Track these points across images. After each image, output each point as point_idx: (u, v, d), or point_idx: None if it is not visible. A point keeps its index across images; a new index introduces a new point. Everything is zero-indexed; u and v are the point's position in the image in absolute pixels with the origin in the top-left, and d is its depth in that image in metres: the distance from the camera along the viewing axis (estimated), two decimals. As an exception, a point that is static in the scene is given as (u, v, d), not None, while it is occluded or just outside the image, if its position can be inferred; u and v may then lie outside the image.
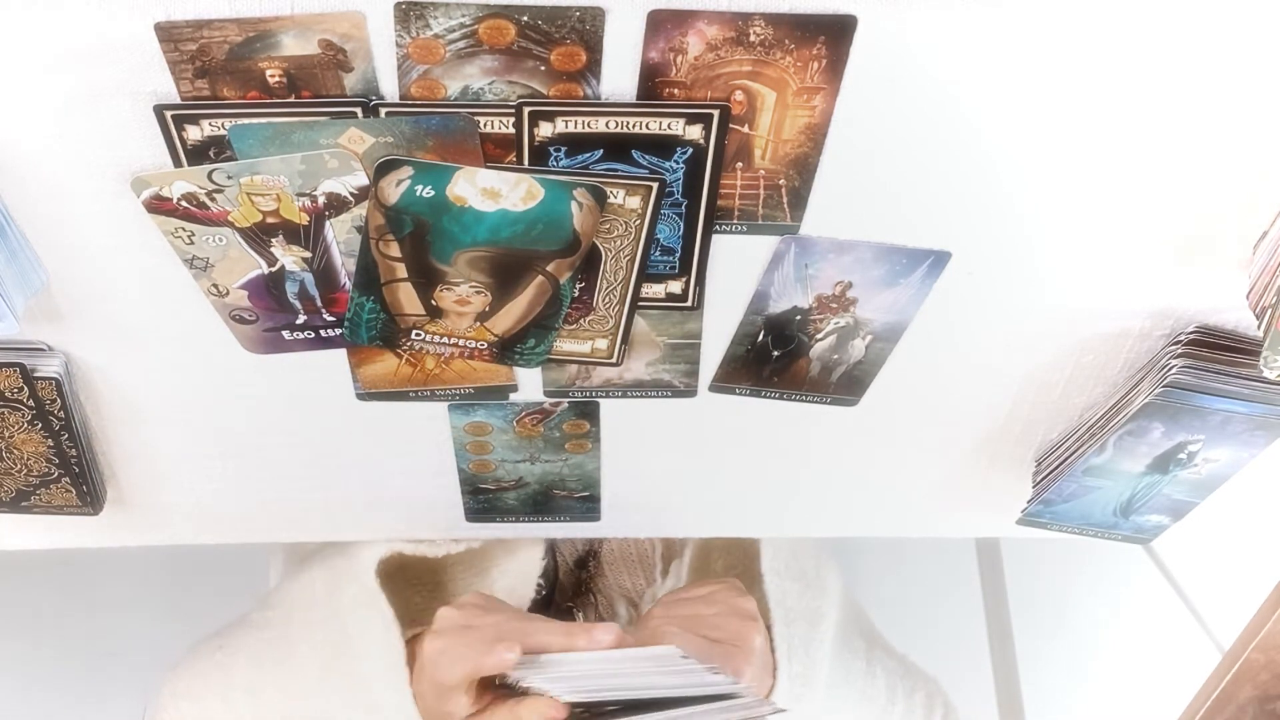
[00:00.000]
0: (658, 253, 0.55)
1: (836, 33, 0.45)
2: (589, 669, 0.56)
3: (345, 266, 0.54)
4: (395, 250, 0.52)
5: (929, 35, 0.46)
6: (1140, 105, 0.49)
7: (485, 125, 0.48)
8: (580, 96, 0.47)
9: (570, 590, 0.81)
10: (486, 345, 0.58)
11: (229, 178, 0.48)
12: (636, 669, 0.56)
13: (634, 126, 0.48)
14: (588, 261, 0.54)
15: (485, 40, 0.45)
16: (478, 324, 0.57)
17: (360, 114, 0.47)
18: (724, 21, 0.45)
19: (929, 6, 0.45)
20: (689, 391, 0.65)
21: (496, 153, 0.49)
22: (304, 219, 0.51)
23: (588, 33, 0.45)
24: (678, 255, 0.55)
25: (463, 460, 0.69)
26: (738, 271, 0.57)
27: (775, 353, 0.62)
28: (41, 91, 0.46)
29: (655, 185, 0.50)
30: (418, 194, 0.49)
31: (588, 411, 0.67)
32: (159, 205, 0.50)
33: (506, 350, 0.59)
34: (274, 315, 0.57)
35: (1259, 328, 0.53)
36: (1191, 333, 0.60)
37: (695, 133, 0.49)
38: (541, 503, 0.74)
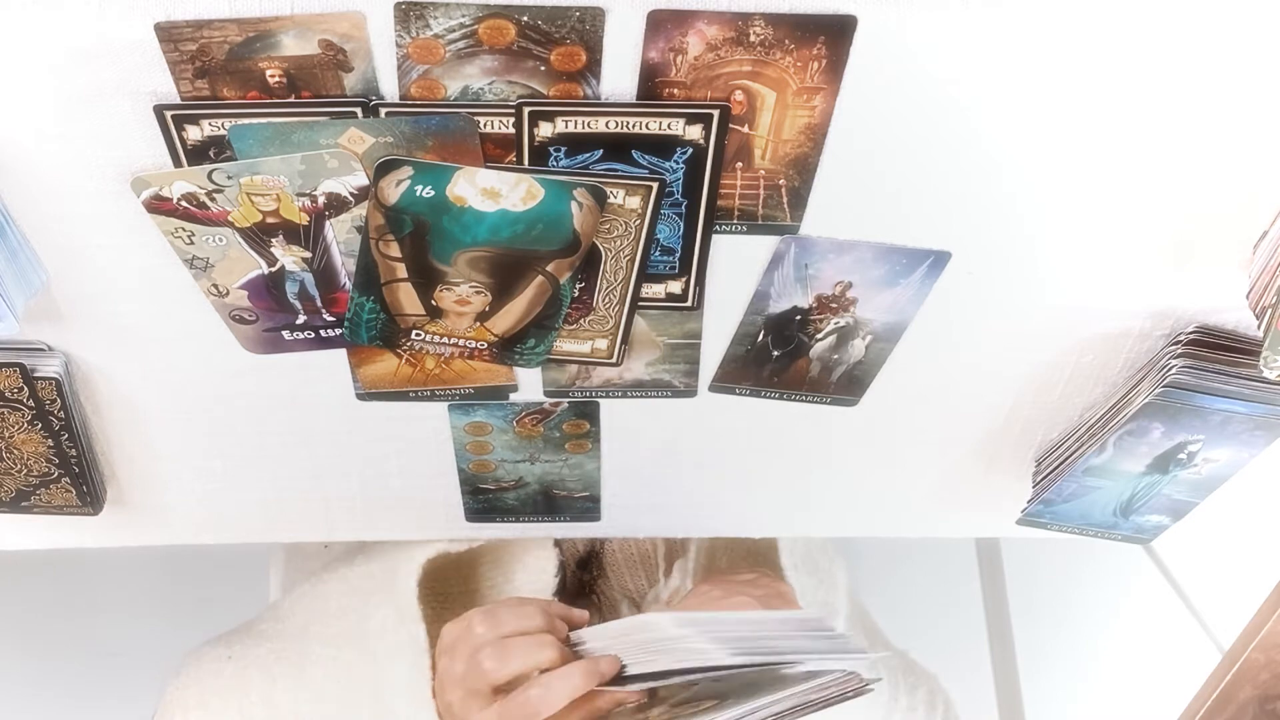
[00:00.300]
0: (658, 253, 0.55)
1: (836, 33, 0.45)
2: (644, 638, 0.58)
3: (345, 266, 0.54)
4: (395, 250, 0.52)
5: (929, 35, 0.46)
6: (1140, 105, 0.49)
7: (485, 125, 0.48)
8: (580, 96, 0.47)
9: (573, 591, 0.81)
10: (486, 345, 0.58)
11: (229, 178, 0.48)
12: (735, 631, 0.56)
13: (634, 126, 0.48)
14: (588, 261, 0.54)
15: (485, 40, 0.45)
16: (478, 324, 0.57)
17: (360, 114, 0.47)
18: (724, 21, 0.45)
19: (929, 6, 0.45)
20: (689, 391, 0.65)
21: (496, 153, 0.49)
22: (304, 219, 0.51)
23: (588, 33, 0.45)
24: (678, 255, 0.55)
25: (463, 460, 0.69)
26: (738, 271, 0.57)
27: (775, 353, 0.62)
28: (41, 91, 0.46)
29: (655, 185, 0.50)
30: (418, 194, 0.49)
31: (588, 411, 0.67)
32: (159, 205, 0.50)
33: (506, 350, 0.59)
34: (274, 315, 0.57)
35: (1259, 328, 0.53)
36: (1191, 333, 0.60)
37: (695, 133, 0.49)
38: (541, 503, 0.74)
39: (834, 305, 0.59)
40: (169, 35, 0.44)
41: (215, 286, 0.55)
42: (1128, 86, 0.48)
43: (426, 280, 0.54)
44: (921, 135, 0.50)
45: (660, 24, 0.45)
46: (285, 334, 0.58)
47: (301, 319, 0.57)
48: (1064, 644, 1.34)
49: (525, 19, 0.44)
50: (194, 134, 0.47)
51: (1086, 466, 0.67)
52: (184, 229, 0.51)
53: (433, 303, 0.55)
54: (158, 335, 0.59)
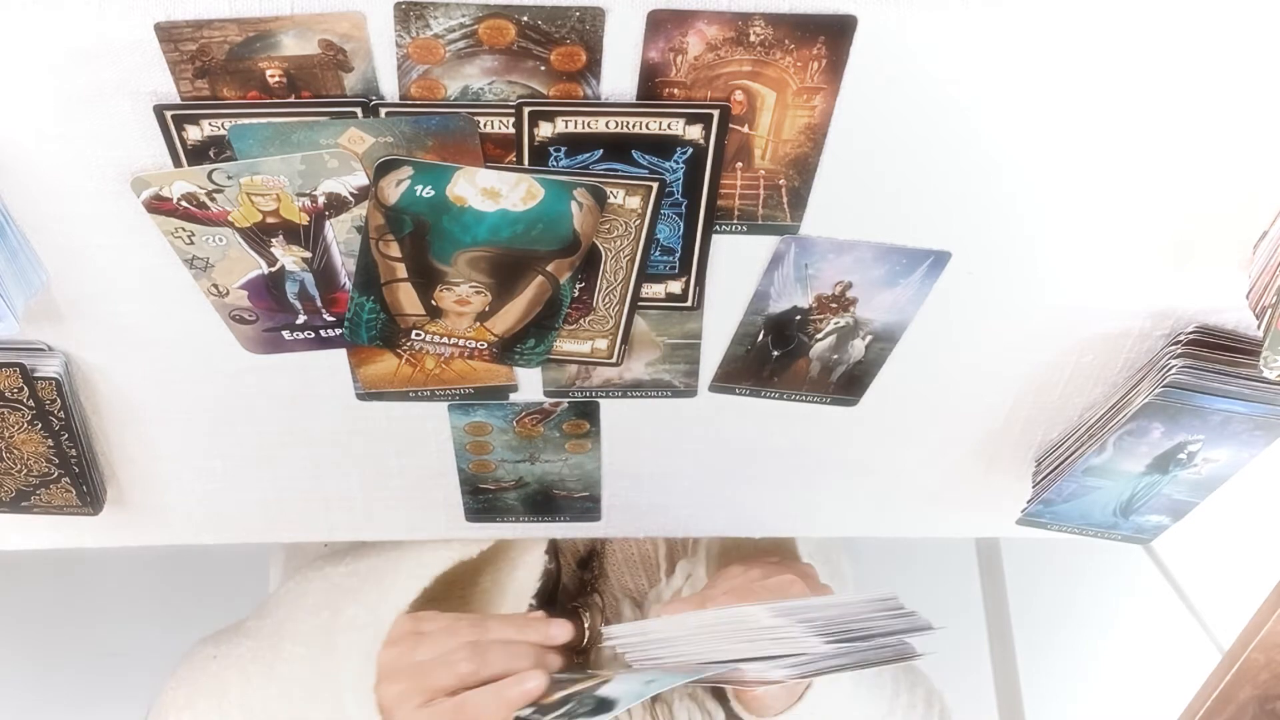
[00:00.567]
0: (658, 253, 0.55)
1: (836, 33, 0.45)
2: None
3: (345, 266, 0.54)
4: (395, 250, 0.52)
5: (929, 35, 0.46)
6: (1140, 105, 0.49)
7: (485, 125, 0.48)
8: (580, 96, 0.47)
9: (574, 591, 0.81)
10: (486, 345, 0.58)
11: (229, 178, 0.48)
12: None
13: (634, 126, 0.48)
14: (588, 261, 0.54)
15: (485, 40, 0.45)
16: (478, 324, 0.57)
17: (360, 114, 0.47)
18: (724, 21, 0.45)
19: (929, 6, 0.45)
20: (689, 391, 0.65)
21: (496, 153, 0.49)
22: (304, 219, 0.51)
23: (588, 33, 0.45)
24: (678, 255, 0.55)
25: (463, 460, 0.69)
26: (738, 271, 0.57)
27: (775, 353, 0.62)
28: (41, 91, 0.46)
29: (655, 185, 0.50)
30: (418, 194, 0.49)
31: (588, 411, 0.67)
32: (159, 205, 0.50)
33: (506, 350, 0.59)
34: (274, 315, 0.57)
35: (1259, 328, 0.53)
36: (1191, 333, 0.60)
37: (695, 133, 0.49)
38: (541, 503, 0.74)
39: (834, 305, 0.59)
40: (169, 35, 0.44)
41: (215, 286, 0.55)
42: (1128, 86, 0.48)
43: (426, 280, 0.54)
44: (921, 135, 0.50)
45: (660, 24, 0.45)
46: (285, 334, 0.58)
47: (301, 319, 0.57)
48: (1064, 644, 1.34)
49: (525, 19, 0.44)
50: (194, 134, 0.47)
51: (1086, 466, 0.67)
52: (184, 229, 0.51)
53: (433, 303, 0.55)
54: (158, 335, 0.59)
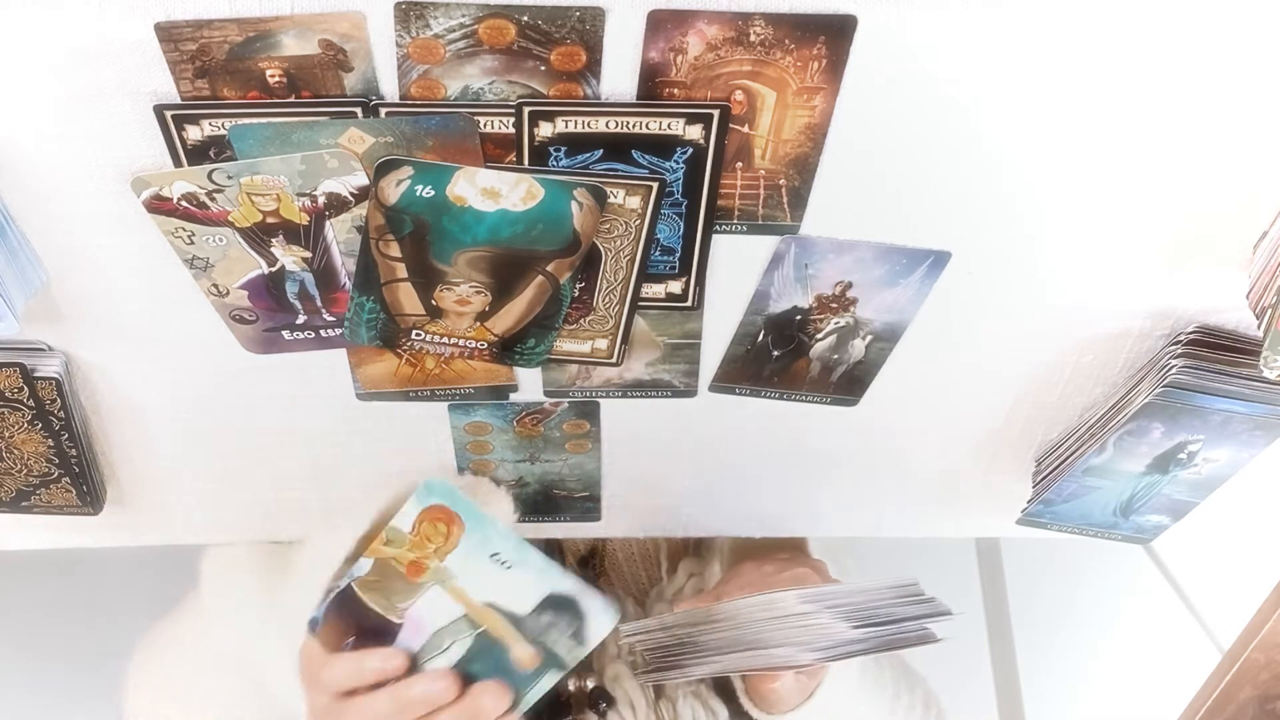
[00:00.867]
0: (658, 253, 0.55)
1: (836, 33, 0.45)
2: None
3: (345, 266, 0.54)
4: (395, 250, 0.52)
5: (929, 35, 0.46)
6: (1140, 105, 0.49)
7: (485, 125, 0.48)
8: (580, 96, 0.47)
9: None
10: (486, 345, 0.58)
11: (229, 178, 0.48)
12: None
13: (634, 126, 0.48)
14: (588, 261, 0.54)
15: (485, 40, 0.45)
16: (478, 324, 0.57)
17: (360, 114, 0.47)
18: (724, 21, 0.45)
19: (929, 6, 0.45)
20: (689, 391, 0.65)
21: (496, 153, 0.49)
22: (304, 219, 0.51)
23: (588, 33, 0.45)
24: (678, 255, 0.55)
25: (463, 460, 0.69)
26: (738, 271, 0.57)
27: (775, 353, 0.62)
28: (41, 91, 0.46)
29: (655, 185, 0.50)
30: (418, 194, 0.49)
31: (588, 411, 0.67)
32: (159, 205, 0.50)
33: (506, 350, 0.59)
34: (274, 315, 0.57)
35: (1259, 328, 0.53)
36: (1191, 333, 0.60)
37: (695, 133, 0.49)
38: (541, 503, 0.74)
39: (834, 305, 0.59)
40: (169, 35, 0.44)
41: (215, 286, 0.55)
42: (1127, 87, 0.48)
43: (426, 280, 0.54)
44: (921, 135, 0.50)
45: (660, 24, 0.45)
46: (285, 334, 0.58)
47: (301, 319, 0.57)
48: (1064, 644, 1.34)
49: (525, 19, 0.44)
50: (194, 134, 0.47)
51: (1086, 466, 0.67)
52: (184, 229, 0.51)
53: (433, 302, 0.55)
54: (158, 335, 0.59)
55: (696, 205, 0.52)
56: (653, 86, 0.47)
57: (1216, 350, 0.60)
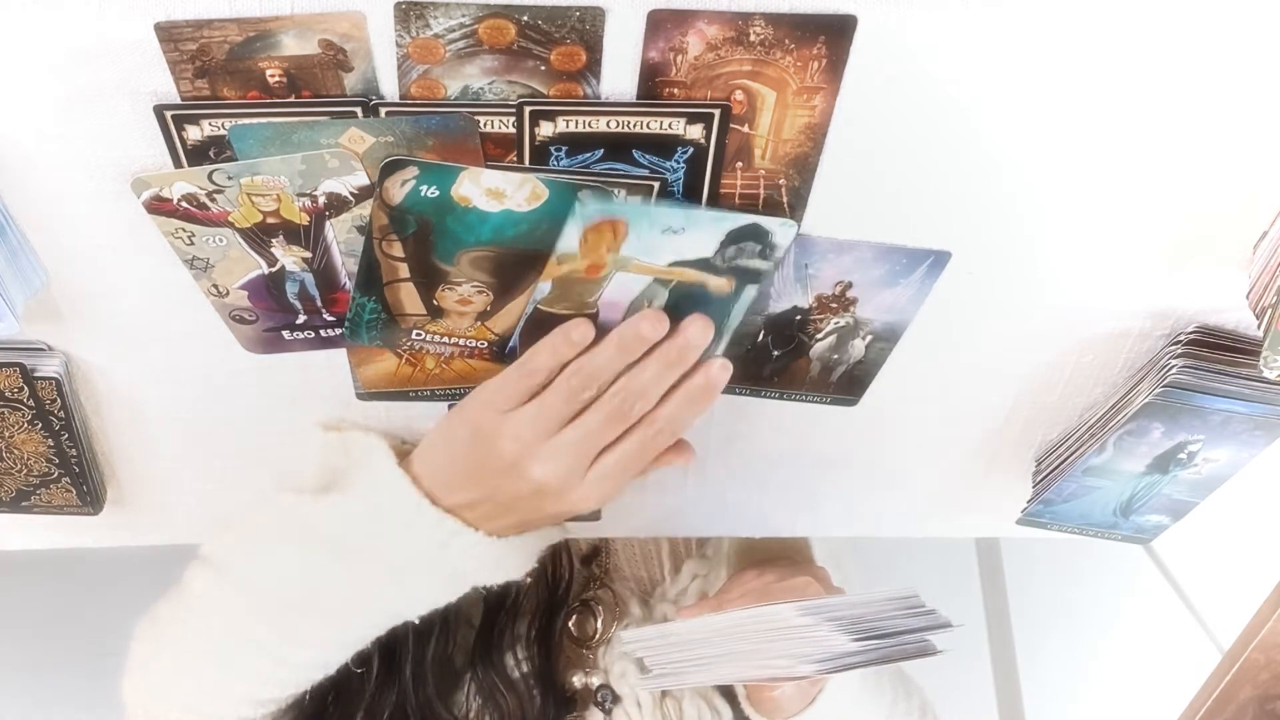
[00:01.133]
0: (658, 253, 0.55)
1: (836, 33, 0.45)
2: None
3: (345, 266, 0.54)
4: (398, 250, 0.52)
5: (929, 35, 0.46)
6: (1140, 105, 0.49)
7: (485, 125, 0.48)
8: (580, 96, 0.47)
9: (580, 587, 0.81)
10: (487, 345, 0.58)
11: (229, 178, 0.48)
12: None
13: (635, 126, 0.48)
14: (588, 261, 0.54)
15: (485, 40, 0.45)
16: (478, 323, 0.57)
17: (360, 114, 0.47)
18: (724, 21, 0.45)
19: (929, 6, 0.45)
20: (689, 391, 0.65)
21: (497, 152, 0.49)
22: (304, 219, 0.51)
23: (588, 33, 0.45)
24: (678, 255, 0.55)
25: (463, 460, 0.69)
26: (738, 271, 0.57)
27: (775, 352, 0.62)
28: (41, 91, 0.46)
29: (656, 185, 0.50)
30: (422, 194, 0.49)
31: (588, 411, 0.66)
32: (159, 206, 0.50)
33: (506, 349, 0.59)
34: (274, 315, 0.57)
35: (1259, 328, 0.53)
36: (1191, 333, 0.60)
37: (696, 132, 0.49)
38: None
39: (834, 305, 0.59)
40: (169, 35, 0.44)
41: (215, 287, 0.55)
42: (1127, 87, 0.48)
43: (429, 280, 0.54)
44: (921, 135, 0.50)
45: (660, 24, 0.45)
46: (285, 334, 0.58)
47: (302, 319, 0.57)
48: (1064, 644, 1.34)
49: (525, 19, 0.44)
50: (194, 134, 0.47)
51: (1086, 466, 0.67)
52: (184, 229, 0.51)
53: (434, 302, 0.55)
54: (158, 335, 0.59)
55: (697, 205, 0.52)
56: (653, 86, 0.47)
57: (1216, 350, 0.60)
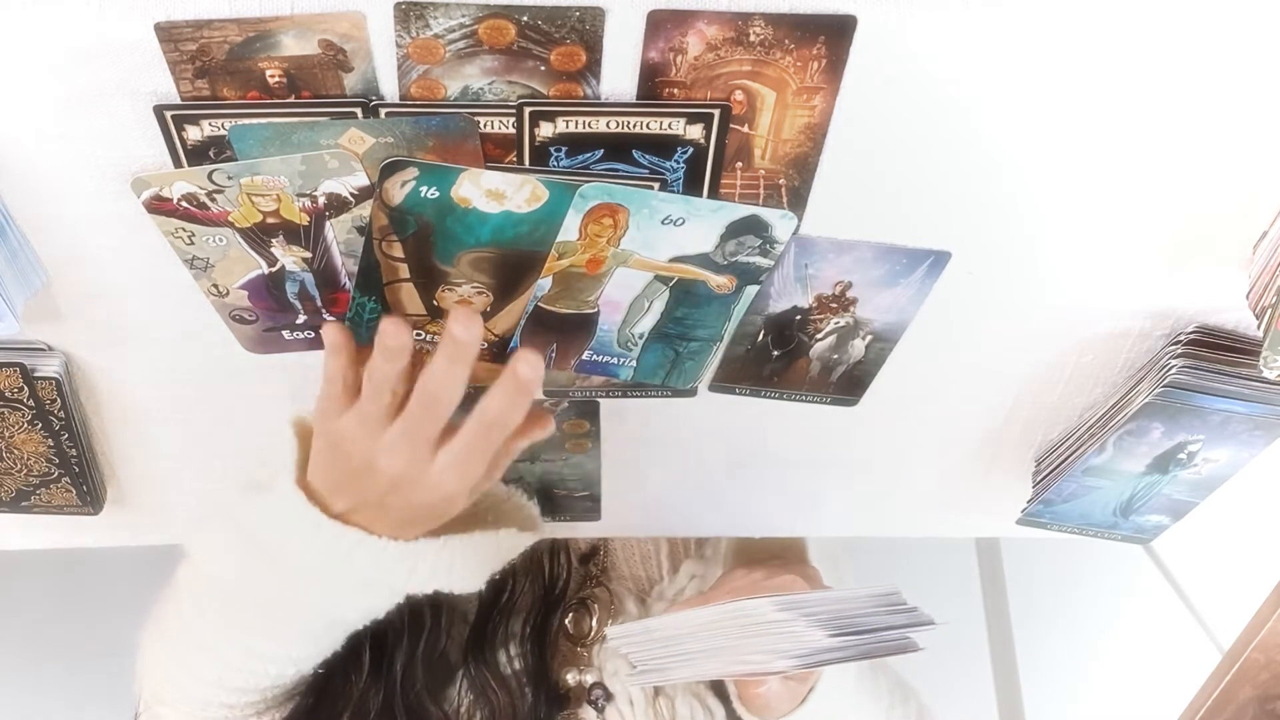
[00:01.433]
0: (658, 253, 0.55)
1: (836, 33, 0.45)
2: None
3: (345, 267, 0.54)
4: (398, 251, 0.52)
5: (929, 35, 0.46)
6: (1140, 105, 0.49)
7: (485, 125, 0.48)
8: (580, 96, 0.47)
9: (577, 586, 0.81)
10: (487, 345, 0.58)
11: (229, 178, 0.48)
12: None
13: (634, 126, 0.48)
14: (588, 261, 0.54)
15: (485, 40, 0.45)
16: (478, 324, 0.57)
17: (360, 114, 0.47)
18: (724, 21, 0.45)
19: (929, 6, 0.45)
20: (689, 391, 0.65)
21: (496, 152, 0.49)
22: (304, 219, 0.51)
23: (588, 33, 0.45)
24: (678, 255, 0.55)
25: (463, 460, 0.69)
26: (738, 271, 0.57)
27: (775, 352, 0.62)
28: (42, 91, 0.46)
29: (656, 185, 0.50)
30: (422, 195, 0.49)
31: (588, 411, 0.67)
32: (159, 206, 0.50)
33: (507, 350, 0.59)
34: (274, 315, 0.57)
35: (1259, 328, 0.53)
36: (1191, 333, 0.60)
37: (696, 132, 0.49)
38: (542, 502, 0.74)
39: (834, 305, 0.59)
40: (169, 35, 0.44)
41: (215, 287, 0.55)
42: (1128, 86, 0.48)
43: (429, 280, 0.54)
44: (921, 135, 0.50)
45: (660, 24, 0.45)
46: (285, 334, 0.58)
47: (302, 319, 0.57)
48: (1064, 644, 1.34)
49: (525, 19, 0.44)
50: (194, 134, 0.47)
51: (1086, 466, 0.67)
52: (184, 229, 0.51)
53: (434, 303, 0.55)
54: (158, 335, 0.59)
55: (696, 205, 0.52)
56: (653, 86, 0.47)
57: (1216, 350, 0.60)
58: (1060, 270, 0.58)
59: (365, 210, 0.50)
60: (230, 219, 0.51)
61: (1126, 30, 0.46)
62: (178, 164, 0.48)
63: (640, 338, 0.58)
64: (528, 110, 0.47)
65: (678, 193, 0.51)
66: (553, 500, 0.74)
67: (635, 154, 0.49)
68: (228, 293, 0.55)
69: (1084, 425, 0.68)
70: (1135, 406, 0.62)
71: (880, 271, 0.57)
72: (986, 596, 1.43)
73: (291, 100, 0.46)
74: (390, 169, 0.48)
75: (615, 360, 0.59)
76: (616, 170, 0.50)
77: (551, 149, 0.49)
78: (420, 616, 0.72)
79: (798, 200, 0.52)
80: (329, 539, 0.57)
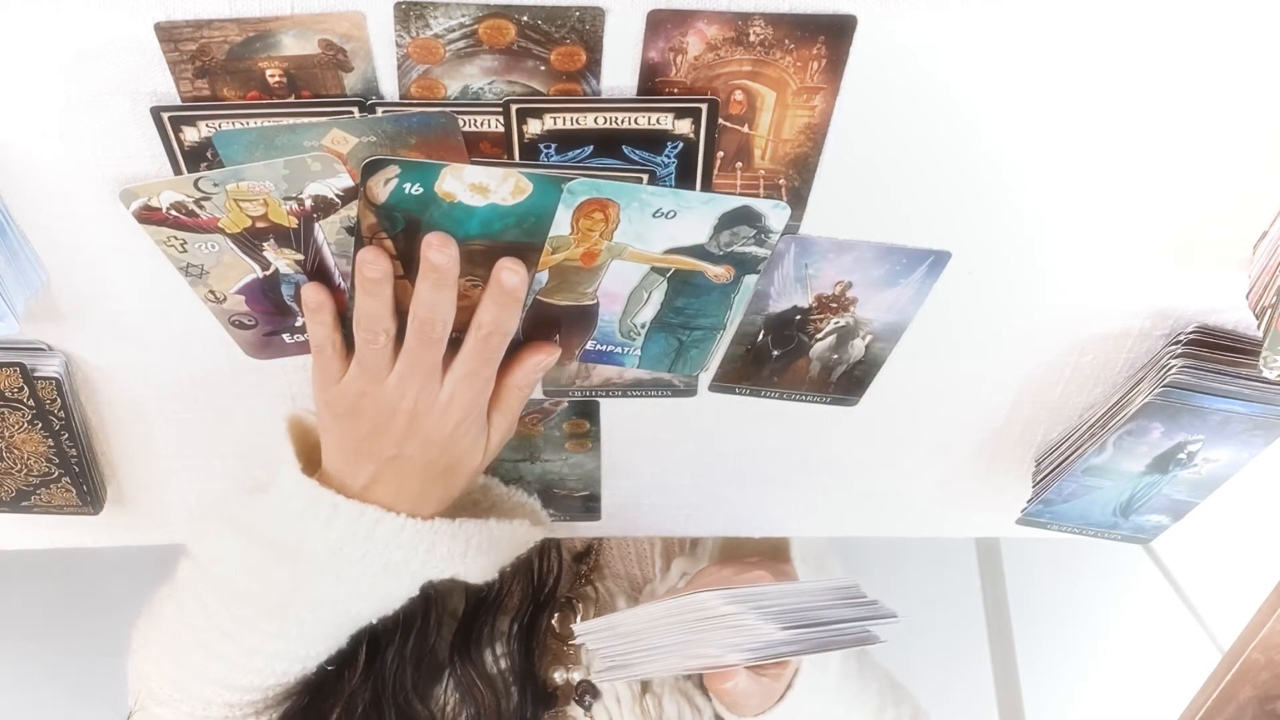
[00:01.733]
0: (657, 252, 0.54)
1: (836, 33, 0.45)
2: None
3: (339, 267, 0.54)
4: (389, 248, 0.52)
5: (929, 35, 0.46)
6: (1140, 105, 0.49)
7: (481, 124, 0.48)
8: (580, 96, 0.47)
9: (569, 584, 0.81)
10: (486, 345, 0.58)
11: (215, 185, 0.48)
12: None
13: (623, 122, 0.48)
14: (587, 260, 0.54)
15: (485, 40, 0.45)
16: (477, 323, 0.57)
17: (358, 114, 0.47)
18: (724, 21, 0.45)
19: (929, 6, 0.45)
20: (689, 391, 0.65)
21: (494, 151, 0.49)
22: (292, 222, 0.51)
23: (587, 33, 0.45)
24: (677, 254, 0.55)
25: (462, 460, 0.69)
26: (737, 271, 0.57)
27: (775, 352, 0.62)
28: (41, 91, 0.46)
29: (645, 178, 0.50)
30: (406, 191, 0.49)
31: (588, 411, 0.66)
32: (149, 215, 0.50)
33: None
34: (273, 319, 0.57)
35: (1259, 328, 0.53)
36: (1191, 333, 0.60)
37: (685, 127, 0.48)
38: (542, 501, 0.74)
39: (834, 305, 0.59)
40: (169, 35, 0.44)
41: (212, 293, 0.55)
42: (1128, 86, 0.48)
43: (423, 277, 0.54)
44: (921, 135, 0.50)
45: (660, 24, 0.45)
46: (285, 338, 0.58)
47: (300, 321, 0.57)
48: (1064, 644, 1.34)
49: (525, 19, 0.44)
50: (191, 135, 0.47)
51: (1086, 466, 0.67)
52: (175, 237, 0.51)
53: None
54: (158, 336, 0.59)
55: (694, 203, 0.52)
56: (653, 86, 0.47)
57: (1216, 350, 0.60)
58: (1060, 270, 0.58)
59: (353, 210, 0.50)
60: (220, 225, 0.50)
61: (1126, 30, 0.46)
62: (175, 165, 0.48)
63: (642, 327, 0.58)
64: (514, 107, 0.47)
65: (668, 186, 0.51)
66: (553, 500, 0.74)
67: (625, 150, 0.49)
68: (225, 298, 0.55)
69: (1084, 425, 0.68)
70: (1135, 406, 0.62)
71: (880, 271, 0.57)
72: (986, 596, 1.43)
73: (291, 100, 0.46)
74: (371, 168, 0.48)
75: (620, 349, 0.59)
76: (607, 165, 0.50)
77: (541, 146, 0.49)
78: (412, 613, 0.72)
79: (798, 200, 0.52)
80: (348, 520, 0.57)
